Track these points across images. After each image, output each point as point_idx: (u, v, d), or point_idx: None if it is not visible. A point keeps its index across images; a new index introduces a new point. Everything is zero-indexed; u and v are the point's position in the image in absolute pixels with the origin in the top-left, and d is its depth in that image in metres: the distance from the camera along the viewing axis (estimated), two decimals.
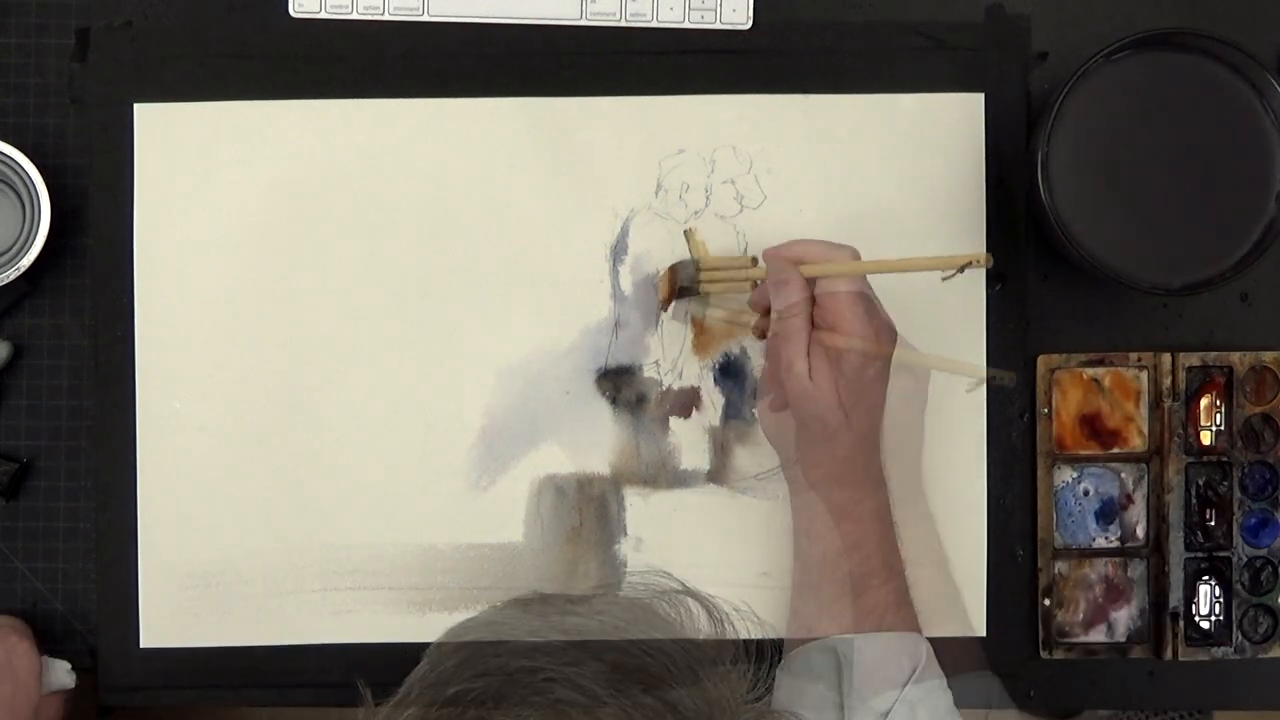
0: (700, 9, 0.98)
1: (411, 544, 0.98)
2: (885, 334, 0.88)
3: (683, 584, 0.69)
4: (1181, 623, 0.97)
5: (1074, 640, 0.98)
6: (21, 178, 0.93)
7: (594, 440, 0.98)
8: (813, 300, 0.88)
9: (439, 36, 0.98)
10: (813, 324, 0.88)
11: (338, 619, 0.97)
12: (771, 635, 0.97)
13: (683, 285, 0.96)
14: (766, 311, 0.91)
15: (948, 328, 0.98)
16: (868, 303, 0.88)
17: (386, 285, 0.98)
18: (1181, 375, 0.98)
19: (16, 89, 0.97)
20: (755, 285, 0.93)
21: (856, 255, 0.89)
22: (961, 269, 0.87)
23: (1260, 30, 0.98)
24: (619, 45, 0.98)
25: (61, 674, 0.95)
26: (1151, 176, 0.91)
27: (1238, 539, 0.98)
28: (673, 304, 0.97)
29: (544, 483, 0.98)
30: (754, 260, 0.95)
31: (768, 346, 0.92)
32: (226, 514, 0.97)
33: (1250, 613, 0.99)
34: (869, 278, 0.89)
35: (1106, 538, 0.99)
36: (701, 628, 0.67)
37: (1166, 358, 0.98)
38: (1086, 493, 0.99)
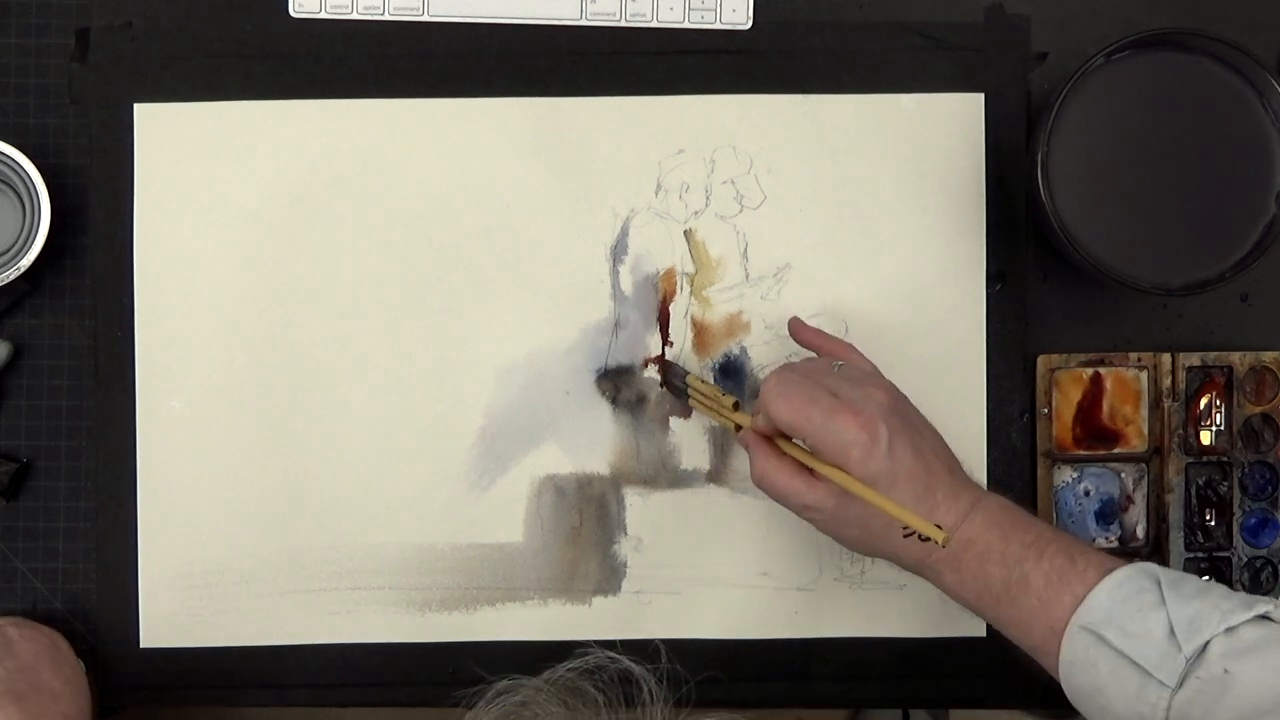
0: (700, 9, 0.98)
1: (411, 544, 0.98)
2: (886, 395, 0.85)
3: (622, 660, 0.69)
4: None
5: None
6: (21, 178, 0.93)
7: (594, 440, 0.98)
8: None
9: (439, 36, 0.98)
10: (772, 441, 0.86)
11: (338, 619, 0.98)
12: (769, 636, 0.98)
13: (673, 384, 0.96)
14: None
15: (948, 328, 0.98)
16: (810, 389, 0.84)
17: (386, 285, 0.98)
18: (1181, 375, 0.98)
19: (16, 89, 0.97)
20: (737, 429, 0.90)
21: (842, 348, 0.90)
22: (921, 536, 0.82)
23: (1260, 30, 0.98)
24: (619, 45, 0.98)
25: None
26: (1151, 176, 0.91)
27: (1238, 539, 0.98)
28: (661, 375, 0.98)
29: (544, 483, 0.98)
30: (735, 405, 0.90)
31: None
32: (226, 514, 0.97)
33: None
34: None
35: (1106, 538, 0.99)
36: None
37: (1166, 358, 0.98)
38: (1087, 493, 0.99)
